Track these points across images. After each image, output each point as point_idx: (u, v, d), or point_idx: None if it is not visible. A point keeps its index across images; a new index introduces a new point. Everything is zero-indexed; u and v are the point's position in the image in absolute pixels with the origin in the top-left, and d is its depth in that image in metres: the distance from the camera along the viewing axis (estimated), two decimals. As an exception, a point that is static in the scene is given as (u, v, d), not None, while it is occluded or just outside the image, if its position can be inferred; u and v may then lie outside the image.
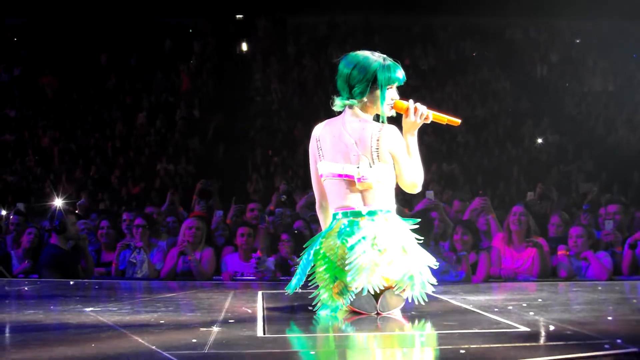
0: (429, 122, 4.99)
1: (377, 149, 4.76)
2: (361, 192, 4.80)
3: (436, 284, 4.84)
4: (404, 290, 4.72)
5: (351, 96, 4.85)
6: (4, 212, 11.93)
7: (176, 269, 8.89)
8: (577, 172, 18.49)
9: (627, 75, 23.29)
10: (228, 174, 18.54)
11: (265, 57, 24.49)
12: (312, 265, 4.81)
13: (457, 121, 5.08)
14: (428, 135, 18.84)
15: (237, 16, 26.67)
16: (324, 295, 4.75)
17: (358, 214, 4.79)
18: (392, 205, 4.87)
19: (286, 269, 8.82)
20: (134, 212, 9.90)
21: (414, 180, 4.89)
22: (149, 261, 9.07)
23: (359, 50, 4.94)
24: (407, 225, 4.86)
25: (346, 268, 4.64)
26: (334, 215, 4.89)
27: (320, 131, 4.96)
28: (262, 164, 18.99)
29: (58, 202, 10.24)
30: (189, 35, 25.39)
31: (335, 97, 4.92)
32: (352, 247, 4.67)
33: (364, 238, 4.69)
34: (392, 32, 24.79)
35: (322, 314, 4.72)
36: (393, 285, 4.71)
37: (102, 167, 18.76)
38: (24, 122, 21.32)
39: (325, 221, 5.10)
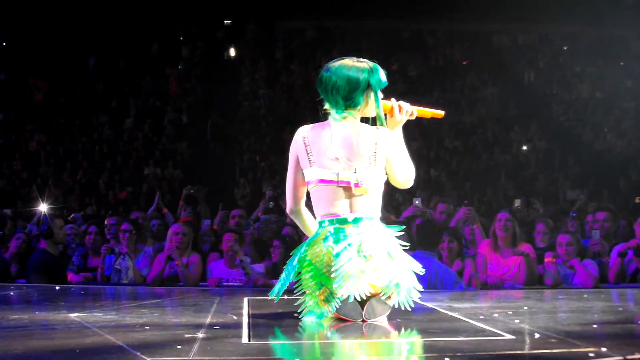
0: (414, 118, 5.04)
1: (375, 152, 4.76)
2: (349, 199, 4.78)
3: (422, 290, 4.84)
4: (389, 296, 4.72)
5: (346, 107, 4.84)
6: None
7: (162, 275, 8.86)
8: (564, 178, 18.54)
9: (615, 82, 23.38)
10: (215, 179, 18.55)
11: (254, 62, 24.52)
12: (298, 272, 4.80)
13: (440, 113, 5.16)
14: (416, 141, 18.88)
15: (226, 21, 26.68)
16: (309, 302, 4.74)
17: (344, 221, 4.77)
18: (378, 212, 4.87)
19: (277, 275, 8.80)
20: (118, 217, 9.91)
21: (407, 176, 4.92)
22: (134, 267, 9.06)
23: (338, 59, 4.92)
24: (392, 232, 4.86)
25: (332, 275, 4.63)
26: (320, 222, 4.87)
27: (309, 136, 4.88)
28: (250, 168, 19.01)
29: (44, 207, 10.22)
30: (177, 39, 25.38)
31: (329, 110, 4.91)
32: (337, 255, 4.66)
33: (349, 245, 4.68)
34: (380, 38, 24.84)
35: (308, 320, 4.71)
36: (379, 292, 4.70)
37: (89, 171, 18.75)
38: (11, 125, 21.29)
39: (304, 225, 5.09)
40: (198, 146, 21.03)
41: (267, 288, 7.56)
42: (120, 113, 21.92)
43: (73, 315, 4.98)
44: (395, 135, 4.96)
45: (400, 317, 4.76)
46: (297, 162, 4.94)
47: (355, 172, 4.74)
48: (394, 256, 4.73)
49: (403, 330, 4.49)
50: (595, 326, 4.57)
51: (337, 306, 4.65)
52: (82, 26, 24.79)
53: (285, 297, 4.94)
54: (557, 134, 21.42)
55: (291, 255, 4.92)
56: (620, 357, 3.48)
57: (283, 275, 4.92)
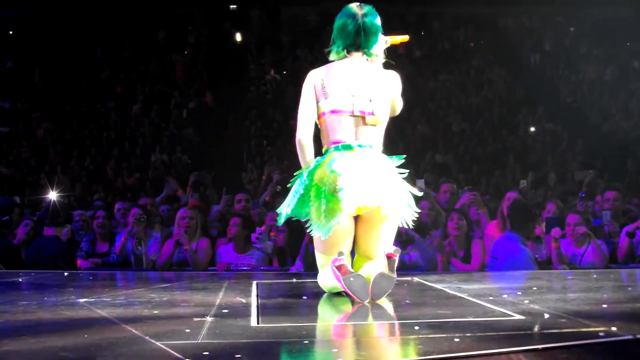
0: (388, 45, 5.45)
1: (388, 90, 5.13)
2: (357, 128, 5.02)
3: (419, 211, 5.03)
4: (391, 211, 4.86)
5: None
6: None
7: (172, 260, 8.85)
8: (572, 160, 18.49)
9: (621, 63, 23.29)
10: (223, 164, 18.53)
11: (260, 47, 24.47)
12: (305, 189, 4.93)
13: (405, 37, 5.69)
14: (422, 125, 18.85)
15: (231, 6, 26.63)
16: (315, 217, 4.85)
17: (349, 147, 4.99)
18: (381, 144, 5.15)
19: (282, 258, 8.80)
20: (129, 203, 9.92)
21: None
22: (147, 251, 9.08)
23: (349, 10, 5.40)
24: (392, 161, 5.06)
25: (337, 188, 4.78)
26: (327, 150, 5.09)
27: (325, 73, 5.20)
28: (257, 153, 18.98)
29: (53, 195, 10.23)
30: (183, 25, 25.35)
31: (367, 53, 5.24)
32: (342, 173, 4.82)
33: (353, 166, 4.87)
34: (385, 21, 24.73)
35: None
36: (380, 206, 4.86)
37: (96, 158, 18.73)
38: (18, 113, 21.29)
39: (305, 156, 5.18)
40: (205, 132, 20.99)
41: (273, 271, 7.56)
42: (126, 99, 21.91)
43: (82, 300, 4.99)
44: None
45: (408, 299, 4.76)
46: (310, 96, 5.21)
47: (371, 101, 5.01)
48: (394, 178, 4.97)
49: (411, 311, 4.49)
50: (605, 306, 4.56)
51: (339, 222, 4.81)
52: (88, 13, 24.78)
53: (294, 280, 4.94)
54: (565, 115, 21.34)
55: (295, 175, 5.05)
56: (630, 336, 3.48)
57: (291, 193, 5.04)
